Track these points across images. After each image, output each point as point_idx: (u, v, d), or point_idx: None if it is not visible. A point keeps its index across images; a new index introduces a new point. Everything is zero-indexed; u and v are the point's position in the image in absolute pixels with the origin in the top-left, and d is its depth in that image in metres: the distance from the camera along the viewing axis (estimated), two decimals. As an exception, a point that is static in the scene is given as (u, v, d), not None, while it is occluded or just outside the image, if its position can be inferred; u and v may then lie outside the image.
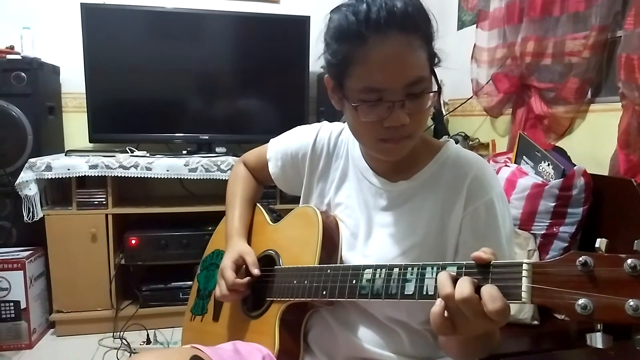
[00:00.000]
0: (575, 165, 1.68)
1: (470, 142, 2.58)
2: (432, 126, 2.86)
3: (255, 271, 1.01)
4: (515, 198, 1.74)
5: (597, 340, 0.55)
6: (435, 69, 0.84)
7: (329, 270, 0.87)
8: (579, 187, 1.63)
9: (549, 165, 1.73)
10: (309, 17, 2.56)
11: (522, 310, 1.59)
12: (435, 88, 0.82)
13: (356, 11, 0.76)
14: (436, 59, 0.83)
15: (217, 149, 2.59)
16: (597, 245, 0.55)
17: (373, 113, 0.79)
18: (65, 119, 2.71)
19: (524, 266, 0.59)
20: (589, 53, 1.76)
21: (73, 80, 2.62)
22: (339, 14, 0.80)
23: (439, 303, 0.64)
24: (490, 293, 0.60)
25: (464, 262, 0.66)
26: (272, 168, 1.14)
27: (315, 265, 0.91)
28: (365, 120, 0.80)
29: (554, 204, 1.66)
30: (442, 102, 2.83)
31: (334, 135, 1.04)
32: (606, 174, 1.69)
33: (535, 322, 1.60)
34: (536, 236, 1.71)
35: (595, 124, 1.86)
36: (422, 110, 0.81)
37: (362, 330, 0.92)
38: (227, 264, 1.03)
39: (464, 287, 0.61)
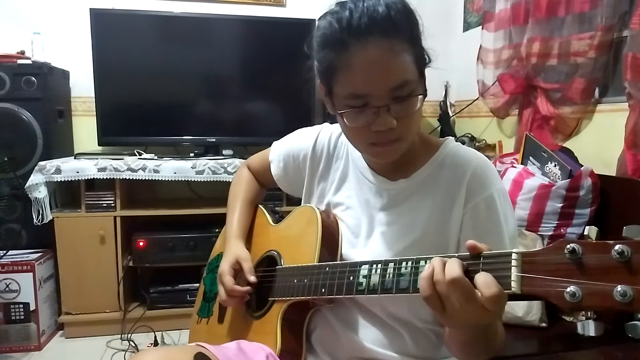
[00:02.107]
0: (582, 166, 1.67)
1: (477, 144, 2.58)
2: (439, 128, 2.86)
3: (252, 279, 1.02)
4: (522, 199, 1.74)
5: (589, 328, 0.55)
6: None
7: (327, 268, 0.87)
8: (586, 187, 1.62)
9: (555, 166, 1.73)
10: (314, 20, 2.55)
11: (530, 312, 1.58)
12: (424, 89, 0.82)
13: (339, 18, 0.77)
14: (426, 59, 0.83)
15: (224, 152, 2.61)
16: (585, 232, 0.56)
17: (360, 119, 0.80)
18: (74, 122, 2.74)
19: (513, 255, 0.60)
20: (595, 53, 1.76)
21: (82, 85, 2.65)
22: (324, 21, 0.81)
23: (427, 268, 0.66)
24: (485, 280, 0.60)
25: (456, 254, 0.67)
26: (275, 170, 1.15)
27: (315, 263, 0.91)
28: (353, 126, 0.81)
29: (561, 204, 1.65)
30: (448, 103, 2.83)
31: (334, 137, 1.05)
32: (613, 174, 1.68)
33: (543, 324, 1.59)
34: (543, 237, 1.70)
35: (602, 125, 1.86)
36: (410, 113, 0.80)
37: (365, 330, 0.92)
38: (224, 269, 1.05)
39: (453, 268, 0.62)
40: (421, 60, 0.81)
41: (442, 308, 0.65)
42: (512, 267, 0.59)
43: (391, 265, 0.76)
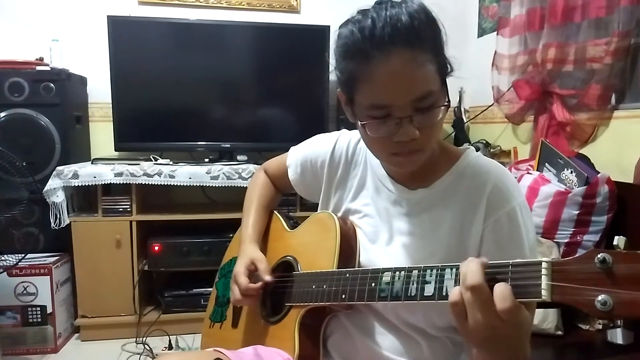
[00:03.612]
0: (599, 173, 1.66)
1: (492, 150, 2.56)
2: (453, 134, 2.85)
3: (267, 278, 1.02)
4: (538, 206, 1.73)
5: (617, 336, 0.56)
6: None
7: (347, 274, 0.87)
8: (603, 194, 1.61)
9: (572, 172, 1.71)
10: (329, 26, 2.57)
11: (546, 320, 1.56)
12: (447, 99, 0.81)
13: (361, 27, 0.76)
14: (448, 68, 0.82)
15: (239, 157, 2.62)
16: (615, 243, 0.56)
17: (382, 129, 0.79)
18: (91, 128, 2.78)
19: (543, 264, 0.60)
20: (611, 59, 1.74)
21: (99, 91, 2.69)
22: (346, 30, 0.80)
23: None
24: (502, 292, 0.60)
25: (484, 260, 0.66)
26: (292, 175, 1.15)
27: (334, 270, 0.92)
28: (375, 136, 0.81)
29: (577, 212, 1.64)
30: (462, 109, 2.82)
31: (353, 143, 1.05)
32: (631, 181, 1.66)
33: (559, 333, 1.58)
34: (559, 245, 1.69)
35: (620, 131, 1.84)
36: (432, 124, 0.80)
37: (381, 337, 0.92)
38: (239, 270, 1.05)
39: (473, 275, 0.62)
40: (443, 69, 0.81)
41: (465, 318, 0.64)
42: (542, 276, 0.59)
43: (415, 272, 0.75)
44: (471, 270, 0.63)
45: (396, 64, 0.74)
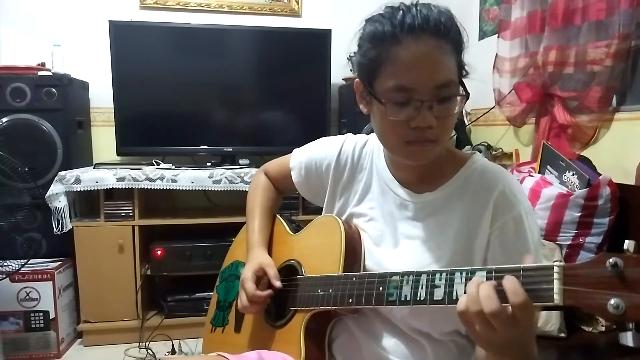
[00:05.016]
0: (600, 175, 1.66)
1: (494, 152, 2.56)
2: (455, 136, 2.85)
3: (277, 283, 1.02)
4: (540, 208, 1.73)
5: (628, 338, 0.56)
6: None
7: (354, 278, 0.88)
8: (605, 196, 1.61)
9: (573, 174, 1.71)
10: (330, 30, 2.58)
11: (549, 322, 1.56)
12: (466, 91, 0.84)
13: (392, 16, 0.81)
14: (464, 71, 0.85)
15: (241, 161, 2.63)
16: (625, 247, 0.56)
17: (402, 112, 0.81)
18: (93, 133, 2.78)
19: (555, 269, 0.60)
20: (612, 61, 1.75)
21: (101, 95, 2.69)
22: (375, 19, 0.84)
23: (463, 300, 0.66)
24: (512, 287, 0.61)
25: (494, 267, 0.67)
26: (296, 177, 1.15)
27: (340, 274, 0.92)
28: (393, 119, 0.82)
29: (579, 214, 1.64)
30: (464, 112, 2.83)
31: (359, 147, 1.05)
32: (632, 183, 1.67)
33: (562, 335, 1.58)
34: (562, 247, 1.69)
35: (621, 133, 1.84)
36: (450, 115, 0.82)
37: (386, 340, 0.92)
38: (247, 275, 1.04)
39: (490, 303, 0.62)
40: (462, 70, 0.84)
41: (473, 325, 0.65)
42: (554, 280, 0.60)
43: (424, 276, 0.76)
44: (485, 296, 0.63)
45: (424, 47, 0.78)
